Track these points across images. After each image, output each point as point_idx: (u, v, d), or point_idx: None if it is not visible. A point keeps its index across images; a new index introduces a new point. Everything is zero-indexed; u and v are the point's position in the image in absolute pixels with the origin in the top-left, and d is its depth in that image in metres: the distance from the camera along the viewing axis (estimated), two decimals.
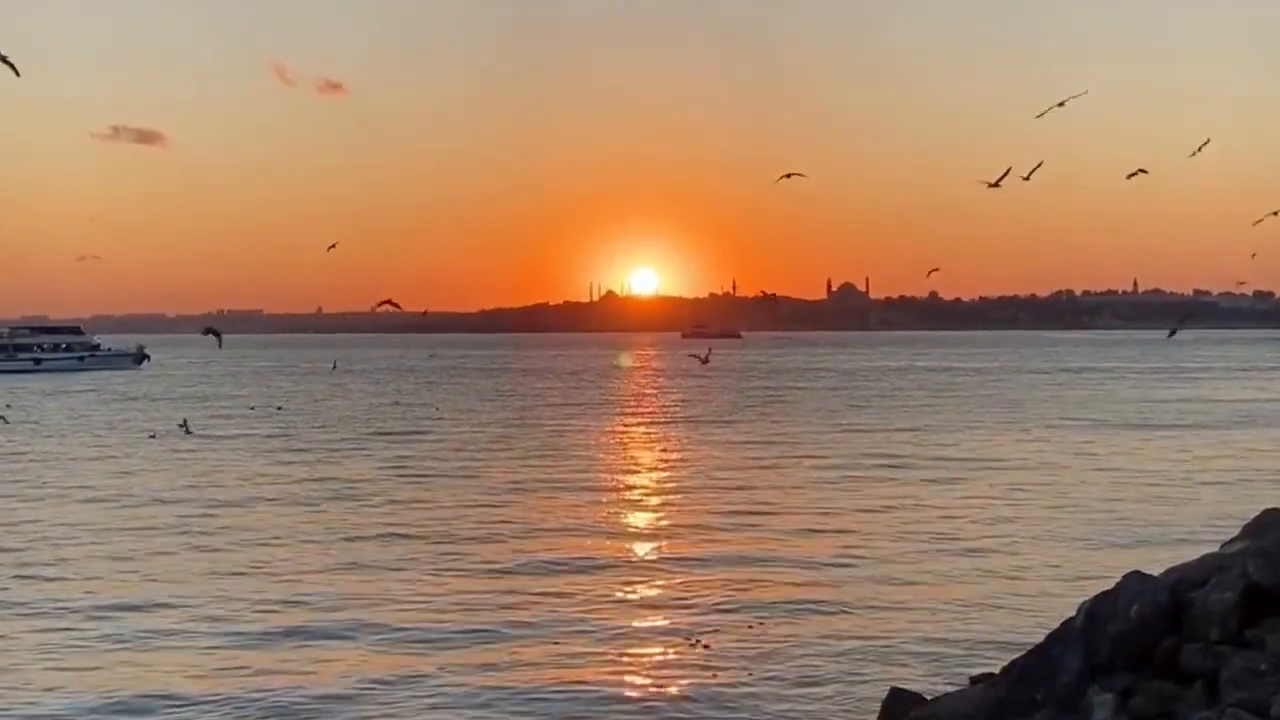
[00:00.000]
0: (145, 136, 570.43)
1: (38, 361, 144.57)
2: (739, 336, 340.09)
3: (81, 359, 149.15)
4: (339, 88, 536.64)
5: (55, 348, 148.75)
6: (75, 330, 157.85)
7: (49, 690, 19.20)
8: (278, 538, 32.20)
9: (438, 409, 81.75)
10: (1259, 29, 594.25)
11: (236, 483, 43.63)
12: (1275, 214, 39.71)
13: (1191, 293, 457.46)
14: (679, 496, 39.90)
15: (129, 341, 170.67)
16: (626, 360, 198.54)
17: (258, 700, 18.54)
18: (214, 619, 23.33)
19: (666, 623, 23.10)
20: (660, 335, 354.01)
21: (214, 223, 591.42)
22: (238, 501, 39.13)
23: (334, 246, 54.73)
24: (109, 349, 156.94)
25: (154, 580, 26.99)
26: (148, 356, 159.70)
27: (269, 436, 62.20)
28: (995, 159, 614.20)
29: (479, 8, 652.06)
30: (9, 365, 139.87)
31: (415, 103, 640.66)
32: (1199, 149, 35.10)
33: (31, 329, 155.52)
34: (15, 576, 27.34)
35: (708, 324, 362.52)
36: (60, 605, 24.50)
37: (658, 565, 28.70)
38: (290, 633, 22.39)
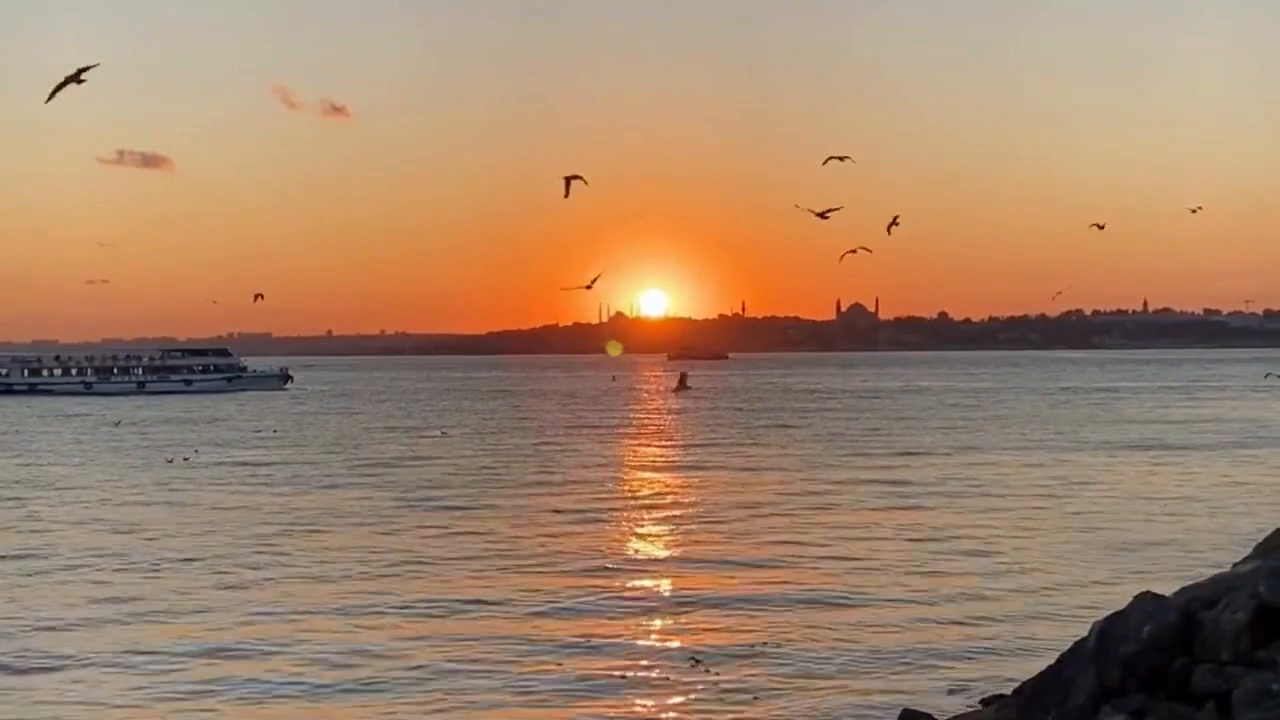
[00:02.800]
0: (151, 160, 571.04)
1: (188, 383, 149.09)
2: (726, 358, 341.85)
3: (230, 380, 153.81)
4: (343, 111, 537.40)
5: (205, 369, 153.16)
6: (223, 352, 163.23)
7: None
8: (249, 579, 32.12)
9: (445, 432, 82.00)
10: (1264, 49, 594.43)
11: (237, 512, 43.60)
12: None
13: (1201, 312, 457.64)
14: (679, 518, 39.78)
15: (274, 363, 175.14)
16: (616, 349, 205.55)
17: None
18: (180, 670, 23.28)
19: (668, 645, 23.02)
20: (649, 357, 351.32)
21: (222, 246, 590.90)
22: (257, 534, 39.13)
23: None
24: (255, 370, 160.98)
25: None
26: (291, 378, 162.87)
27: (275, 463, 62.22)
28: (997, 177, 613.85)
29: (484, 30, 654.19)
30: (162, 386, 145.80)
31: (420, 125, 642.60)
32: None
33: (183, 351, 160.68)
34: None
35: (694, 345, 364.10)
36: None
37: (658, 586, 28.63)
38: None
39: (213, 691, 20.15)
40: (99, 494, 47.82)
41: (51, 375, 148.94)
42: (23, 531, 37.97)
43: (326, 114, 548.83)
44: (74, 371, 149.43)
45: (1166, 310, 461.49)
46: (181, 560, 32.23)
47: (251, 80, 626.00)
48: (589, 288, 33.91)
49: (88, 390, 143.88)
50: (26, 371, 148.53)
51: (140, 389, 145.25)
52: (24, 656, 22.30)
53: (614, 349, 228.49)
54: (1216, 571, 12.61)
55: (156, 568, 31.24)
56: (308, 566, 31.23)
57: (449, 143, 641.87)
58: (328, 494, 47.02)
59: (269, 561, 31.97)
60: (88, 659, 22.13)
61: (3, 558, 32.82)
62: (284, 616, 25.37)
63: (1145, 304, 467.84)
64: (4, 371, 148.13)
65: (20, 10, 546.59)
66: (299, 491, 47.92)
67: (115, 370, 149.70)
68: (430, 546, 34.15)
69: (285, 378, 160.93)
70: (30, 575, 30.41)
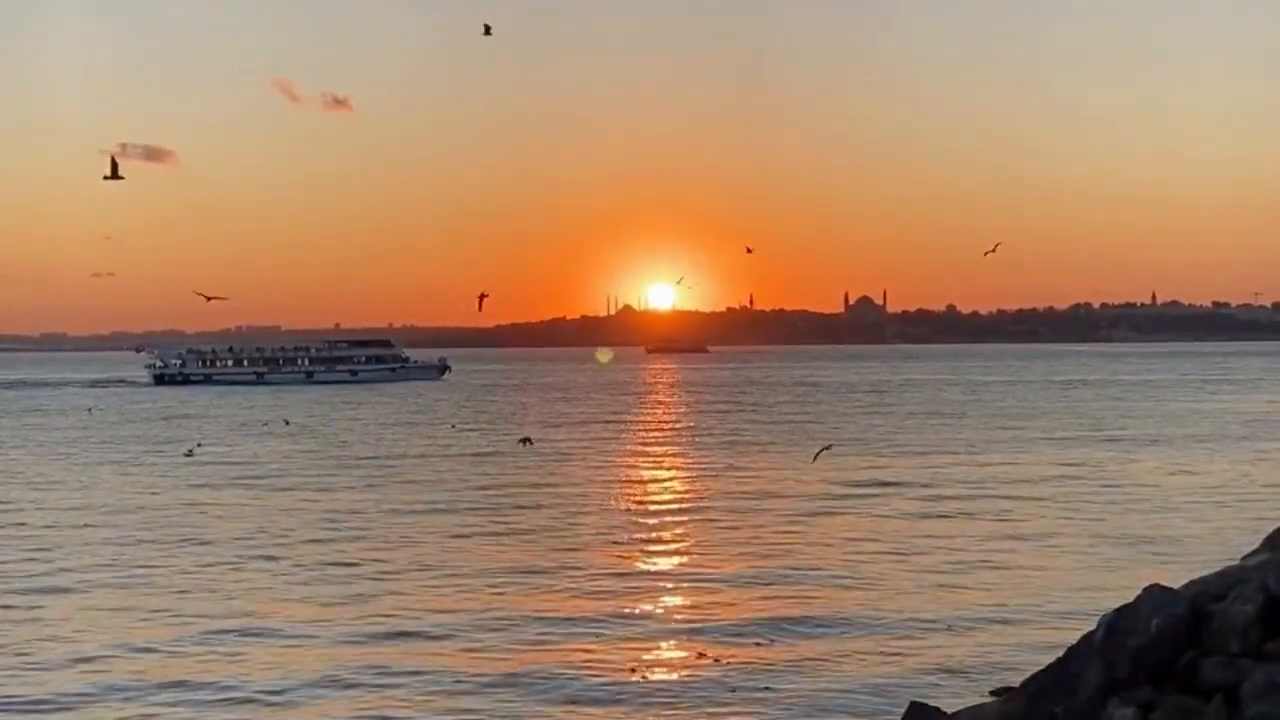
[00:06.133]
0: (154, 154, 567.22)
1: (354, 373, 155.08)
2: (706, 351, 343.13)
3: (393, 370, 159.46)
4: (345, 104, 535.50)
5: (369, 360, 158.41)
6: (386, 344, 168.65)
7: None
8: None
9: (454, 426, 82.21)
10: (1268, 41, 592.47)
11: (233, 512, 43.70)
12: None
13: (1210, 305, 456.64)
14: (685, 514, 39.78)
15: (432, 355, 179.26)
16: (605, 357, 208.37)
17: None
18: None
19: (677, 639, 23.02)
20: (629, 350, 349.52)
21: (227, 239, 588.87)
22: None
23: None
24: (416, 361, 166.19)
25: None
26: (449, 368, 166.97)
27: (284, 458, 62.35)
28: (1006, 169, 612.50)
29: (489, 21, 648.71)
30: (329, 376, 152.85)
31: (425, 117, 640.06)
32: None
33: (349, 343, 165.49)
34: None
35: (676, 339, 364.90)
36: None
37: (666, 581, 28.65)
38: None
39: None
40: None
41: (225, 367, 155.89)
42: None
43: (329, 107, 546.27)
44: (245, 363, 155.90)
45: (1175, 303, 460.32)
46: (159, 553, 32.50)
47: (254, 74, 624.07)
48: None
49: (259, 380, 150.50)
50: (202, 363, 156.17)
51: (309, 379, 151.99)
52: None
53: (603, 356, 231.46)
54: (1225, 564, 12.58)
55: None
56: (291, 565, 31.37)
57: (455, 135, 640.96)
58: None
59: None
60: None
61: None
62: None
63: (1154, 297, 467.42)
64: (179, 362, 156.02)
65: (22, 6, 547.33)
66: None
67: (283, 361, 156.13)
68: (437, 543, 34.23)
69: (444, 369, 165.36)
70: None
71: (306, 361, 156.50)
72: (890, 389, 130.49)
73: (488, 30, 32.53)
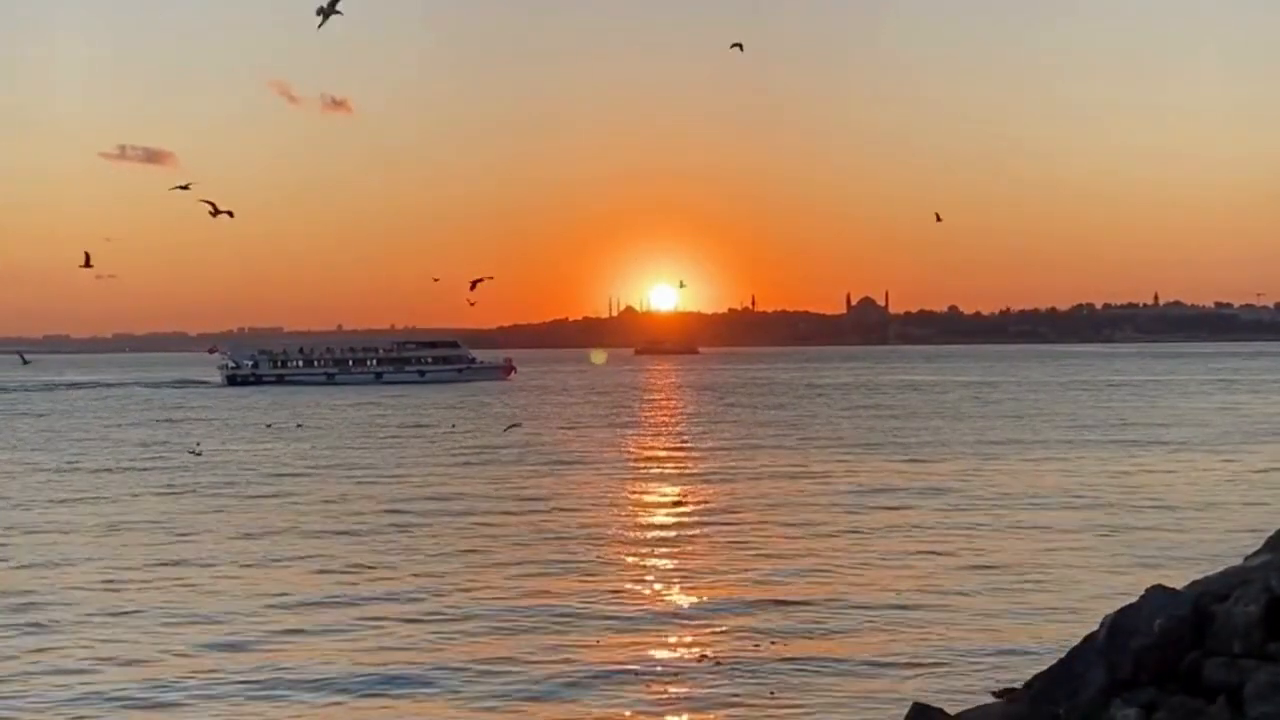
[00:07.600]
0: (153, 155, 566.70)
1: (422, 374, 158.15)
2: (696, 352, 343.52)
3: (460, 370, 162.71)
4: (344, 105, 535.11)
5: (436, 361, 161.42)
6: (453, 344, 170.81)
7: None
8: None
9: (454, 426, 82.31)
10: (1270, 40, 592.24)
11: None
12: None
13: (1212, 305, 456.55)
14: (688, 514, 39.81)
15: (498, 355, 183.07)
16: (599, 358, 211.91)
17: None
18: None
19: (678, 640, 23.01)
20: (616, 351, 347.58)
21: (228, 240, 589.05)
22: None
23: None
24: (482, 362, 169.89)
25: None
26: (515, 368, 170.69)
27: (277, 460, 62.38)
28: (1008, 169, 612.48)
29: (488, 21, 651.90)
30: (398, 376, 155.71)
31: (425, 118, 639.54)
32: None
33: (417, 344, 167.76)
34: None
35: (665, 340, 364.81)
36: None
37: (667, 583, 28.63)
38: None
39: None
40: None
41: (296, 368, 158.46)
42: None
43: (327, 108, 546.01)
44: (316, 364, 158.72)
45: (1177, 304, 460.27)
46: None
47: (252, 75, 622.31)
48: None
49: (329, 381, 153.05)
50: (273, 364, 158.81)
51: (378, 379, 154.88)
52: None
53: (598, 357, 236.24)
54: (1228, 564, 12.57)
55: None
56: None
57: (454, 135, 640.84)
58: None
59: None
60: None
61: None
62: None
63: (1156, 297, 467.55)
64: (251, 363, 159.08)
65: (22, 6, 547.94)
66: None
67: (352, 362, 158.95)
68: (440, 547, 34.22)
69: (509, 369, 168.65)
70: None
71: (375, 362, 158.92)
72: (888, 390, 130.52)
73: (740, 46, 31.44)
